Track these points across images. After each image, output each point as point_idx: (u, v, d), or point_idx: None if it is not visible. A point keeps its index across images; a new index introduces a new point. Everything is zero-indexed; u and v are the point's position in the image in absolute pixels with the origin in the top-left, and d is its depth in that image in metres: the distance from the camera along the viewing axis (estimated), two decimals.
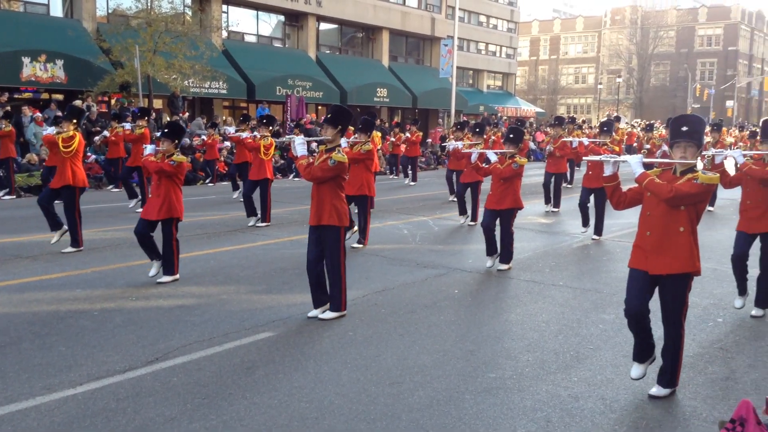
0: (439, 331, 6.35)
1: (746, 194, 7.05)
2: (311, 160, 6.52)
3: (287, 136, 7.74)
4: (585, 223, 11.45)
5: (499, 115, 41.32)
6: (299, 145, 6.56)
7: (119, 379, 5.03)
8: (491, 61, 47.81)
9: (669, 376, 4.88)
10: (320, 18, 31.86)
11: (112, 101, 23.10)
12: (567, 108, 71.83)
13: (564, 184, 16.35)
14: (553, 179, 14.48)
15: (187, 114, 23.98)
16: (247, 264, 9.01)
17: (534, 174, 21.73)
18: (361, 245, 10.20)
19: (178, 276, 7.99)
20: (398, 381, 5.08)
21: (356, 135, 10.68)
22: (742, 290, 7.09)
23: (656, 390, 4.88)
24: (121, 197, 15.37)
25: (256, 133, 12.45)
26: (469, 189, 12.60)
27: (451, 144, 13.09)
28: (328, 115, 6.64)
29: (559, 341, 6.09)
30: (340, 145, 6.65)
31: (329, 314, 6.61)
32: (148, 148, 8.01)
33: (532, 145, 31.43)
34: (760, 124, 7.69)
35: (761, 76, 75.26)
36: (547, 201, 14.64)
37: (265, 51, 29.65)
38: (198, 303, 7.11)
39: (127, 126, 14.61)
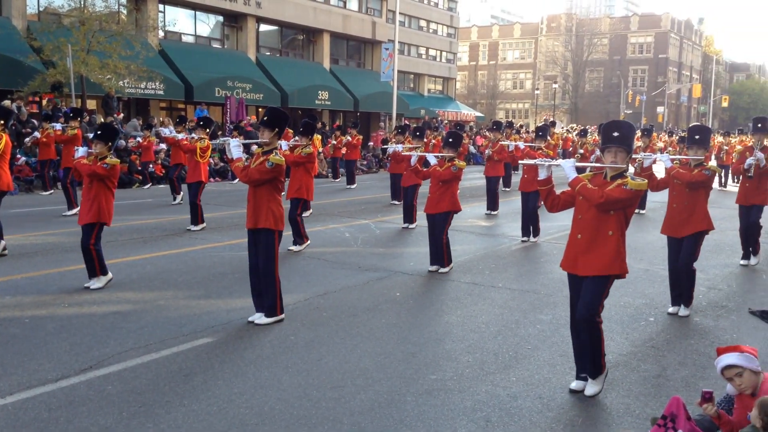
0: (381, 333, 6.37)
1: (673, 197, 7.31)
2: (248, 163, 6.47)
3: (222, 138, 7.63)
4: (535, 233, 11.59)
5: (439, 119, 41.74)
6: (235, 147, 6.51)
7: (51, 388, 4.87)
8: (431, 65, 48.29)
9: (594, 366, 4.98)
10: (260, 19, 31.56)
11: (44, 102, 22.32)
12: (506, 112, 73.23)
13: (502, 188, 16.62)
14: (490, 182, 14.73)
15: (122, 115, 23.36)
16: (186, 269, 8.85)
17: (474, 177, 22.05)
18: (299, 247, 10.14)
19: (110, 275, 7.79)
20: (340, 385, 5.08)
21: (296, 138, 10.63)
22: (676, 300, 7.33)
23: (589, 387, 5.00)
24: (52, 200, 14.89)
25: (193, 134, 12.26)
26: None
27: (391, 147, 13.17)
28: (265, 118, 6.62)
29: (498, 342, 6.19)
30: (277, 147, 6.62)
31: (265, 319, 6.53)
32: (80, 150, 7.77)
33: (471, 149, 31.87)
34: (687, 130, 7.99)
35: (690, 83, 78.43)
36: (494, 206, 14.86)
37: (203, 52, 29.18)
38: (134, 309, 6.94)
39: (58, 127, 14.16)
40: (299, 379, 5.18)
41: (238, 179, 6.73)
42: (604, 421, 4.62)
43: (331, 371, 5.35)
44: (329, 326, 6.53)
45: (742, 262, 9.84)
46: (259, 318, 6.54)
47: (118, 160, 7.95)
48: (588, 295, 4.90)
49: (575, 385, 5.05)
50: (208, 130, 12.14)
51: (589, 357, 4.97)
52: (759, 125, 9.85)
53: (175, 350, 5.73)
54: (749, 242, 9.82)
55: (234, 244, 10.45)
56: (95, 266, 7.66)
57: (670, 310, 7.28)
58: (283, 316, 6.65)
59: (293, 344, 5.98)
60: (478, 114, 54.26)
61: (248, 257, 6.61)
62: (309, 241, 10.30)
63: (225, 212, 13.94)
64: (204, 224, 11.86)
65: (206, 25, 30.60)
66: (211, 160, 20.40)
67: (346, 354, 5.76)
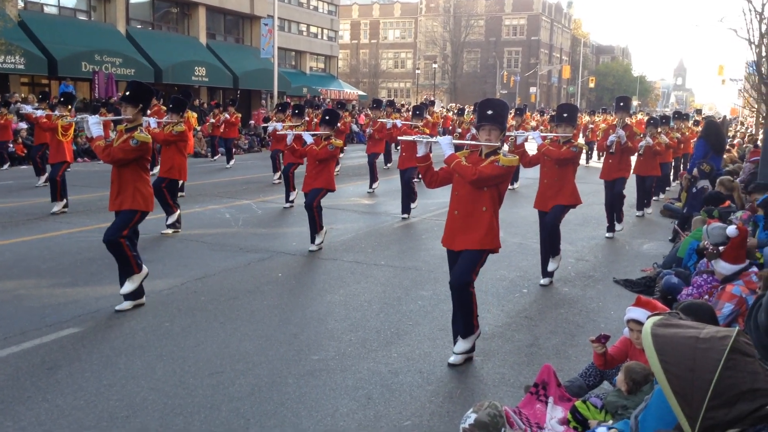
0: (262, 316, 6.24)
1: (544, 173, 7.64)
2: (110, 141, 6.11)
3: (79, 116, 7.15)
4: (413, 200, 11.85)
5: (322, 97, 41.44)
6: (94, 124, 6.14)
7: None
8: (313, 42, 47.73)
9: (465, 327, 5.13)
10: None
11: None
12: (388, 91, 73.79)
13: (383, 166, 16.76)
14: (371, 159, 14.82)
15: None
16: (49, 255, 8.28)
17: (357, 156, 22.09)
18: (175, 231, 9.74)
19: None
20: (219, 371, 4.92)
21: (168, 115, 10.18)
22: (547, 273, 7.67)
23: (459, 345, 5.14)
24: None
25: (57, 111, 11.46)
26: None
27: (271, 125, 12.98)
28: (127, 93, 6.26)
29: (380, 319, 6.23)
30: (142, 124, 6.30)
31: (125, 304, 6.22)
32: None
33: (354, 128, 31.90)
34: (557, 108, 8.36)
35: (560, 64, 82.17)
36: (373, 181, 14.96)
37: (68, 24, 27.29)
38: None
39: None
40: (174, 366, 4.97)
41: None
42: (480, 391, 4.75)
43: (209, 357, 5.18)
44: (207, 311, 6.32)
45: (607, 234, 10.43)
46: (119, 304, 6.22)
47: None
48: (461, 266, 5.06)
49: (453, 359, 5.16)
50: (70, 106, 11.38)
51: (462, 320, 5.14)
52: (621, 104, 10.45)
53: (37, 342, 5.35)
54: (614, 212, 10.41)
55: (102, 227, 9.84)
56: None
57: (542, 281, 7.61)
58: (143, 300, 6.36)
59: (168, 331, 5.74)
60: (361, 93, 54.33)
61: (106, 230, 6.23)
62: (179, 220, 9.88)
63: (92, 194, 13.16)
64: (65, 201, 11.14)
65: None
66: (79, 140, 19.26)
67: (226, 338, 5.60)
